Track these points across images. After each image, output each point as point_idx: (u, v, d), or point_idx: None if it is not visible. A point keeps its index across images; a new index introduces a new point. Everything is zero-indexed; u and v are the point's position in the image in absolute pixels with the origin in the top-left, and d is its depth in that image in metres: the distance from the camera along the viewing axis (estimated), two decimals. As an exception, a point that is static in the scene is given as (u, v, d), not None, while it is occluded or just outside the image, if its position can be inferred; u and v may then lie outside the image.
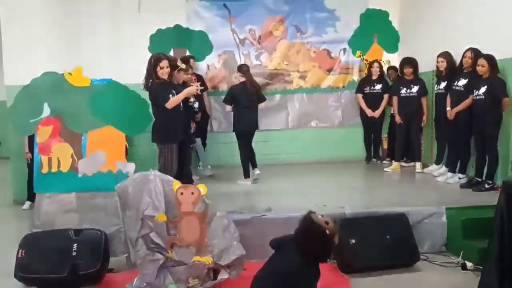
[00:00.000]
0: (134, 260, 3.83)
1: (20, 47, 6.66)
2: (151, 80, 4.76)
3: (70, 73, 4.31)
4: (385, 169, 6.79)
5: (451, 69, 5.91)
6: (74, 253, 3.76)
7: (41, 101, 4.22)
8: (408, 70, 6.59)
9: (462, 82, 5.59)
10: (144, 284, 3.54)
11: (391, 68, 7.58)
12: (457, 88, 5.66)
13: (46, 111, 4.21)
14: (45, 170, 4.18)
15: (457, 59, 5.80)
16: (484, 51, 5.24)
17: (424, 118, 6.59)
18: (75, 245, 3.80)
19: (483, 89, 5.14)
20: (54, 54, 6.63)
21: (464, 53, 5.56)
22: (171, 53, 6.95)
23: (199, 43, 7.43)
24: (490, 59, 5.11)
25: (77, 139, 4.23)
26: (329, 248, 2.80)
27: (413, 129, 6.66)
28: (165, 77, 4.85)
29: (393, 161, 6.93)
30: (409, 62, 6.64)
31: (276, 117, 7.80)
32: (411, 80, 6.61)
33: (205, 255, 3.47)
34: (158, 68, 4.77)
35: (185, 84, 5.61)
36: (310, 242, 2.76)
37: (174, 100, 4.84)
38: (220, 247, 3.55)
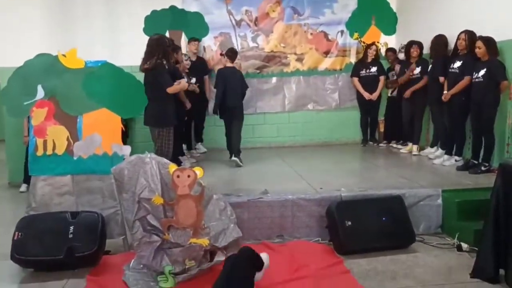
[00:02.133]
0: (131, 242, 3.84)
1: (13, 29, 6.57)
2: (159, 61, 4.69)
3: (64, 55, 4.25)
4: (401, 151, 6.76)
5: (437, 53, 5.99)
6: (70, 236, 3.75)
7: (35, 83, 4.16)
8: (414, 52, 6.53)
9: (457, 64, 5.57)
10: (141, 265, 3.56)
11: (390, 50, 7.54)
12: (452, 70, 5.64)
13: (40, 93, 4.16)
14: (40, 152, 4.15)
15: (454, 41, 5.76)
16: (482, 33, 5.20)
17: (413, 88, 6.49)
18: (71, 227, 3.79)
19: (482, 72, 5.12)
20: (48, 35, 6.57)
21: (459, 35, 5.55)
22: (167, 35, 6.87)
23: (194, 24, 7.35)
24: (487, 41, 5.08)
25: (72, 121, 4.19)
26: None
27: (416, 110, 6.62)
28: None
29: (408, 142, 6.82)
30: (417, 42, 6.56)
31: (273, 100, 7.78)
32: (416, 62, 6.55)
33: (202, 237, 3.48)
34: (170, 51, 4.86)
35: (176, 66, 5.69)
36: None
37: (175, 88, 4.84)
38: (217, 229, 3.55)
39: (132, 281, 3.44)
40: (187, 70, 6.42)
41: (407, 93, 6.54)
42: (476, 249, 3.63)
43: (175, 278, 3.45)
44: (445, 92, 5.71)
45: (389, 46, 7.70)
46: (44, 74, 4.20)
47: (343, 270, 3.65)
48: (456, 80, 5.52)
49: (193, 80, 6.67)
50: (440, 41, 5.99)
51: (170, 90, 4.78)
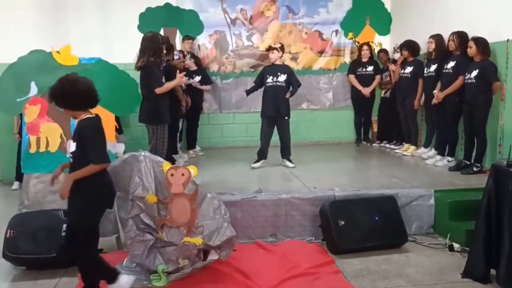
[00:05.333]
0: (124, 240, 3.83)
1: (5, 25, 6.52)
2: (151, 59, 4.59)
3: (58, 52, 4.23)
4: (398, 152, 6.68)
5: (440, 52, 5.90)
6: (63, 234, 3.72)
7: (28, 79, 4.15)
8: (404, 53, 6.57)
9: (451, 64, 5.60)
10: (134, 264, 3.55)
11: (382, 51, 7.58)
12: (446, 70, 5.68)
13: (33, 90, 4.14)
14: (33, 150, 4.13)
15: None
16: (476, 34, 5.23)
17: (416, 102, 6.42)
18: (64, 225, 3.76)
19: (474, 73, 5.15)
20: (41, 32, 6.53)
21: (449, 36, 5.59)
22: (161, 32, 6.85)
23: (189, 22, 7.33)
24: (477, 41, 5.12)
25: (65, 119, 4.16)
26: None
27: (406, 110, 6.63)
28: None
29: (404, 143, 6.80)
30: (405, 44, 6.60)
31: (267, 99, 7.75)
32: (408, 62, 6.58)
33: (196, 236, 3.47)
34: (163, 49, 4.77)
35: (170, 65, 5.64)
36: None
37: (165, 87, 4.73)
38: (211, 228, 3.55)
39: (125, 279, 3.43)
40: (192, 69, 6.41)
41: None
42: (468, 249, 3.66)
43: (168, 277, 3.45)
44: (435, 91, 5.75)
45: (383, 46, 7.74)
46: (37, 70, 4.18)
47: (334, 270, 3.65)
48: (450, 80, 5.56)
49: (197, 78, 6.71)
50: (443, 40, 5.91)
51: (158, 90, 4.59)
